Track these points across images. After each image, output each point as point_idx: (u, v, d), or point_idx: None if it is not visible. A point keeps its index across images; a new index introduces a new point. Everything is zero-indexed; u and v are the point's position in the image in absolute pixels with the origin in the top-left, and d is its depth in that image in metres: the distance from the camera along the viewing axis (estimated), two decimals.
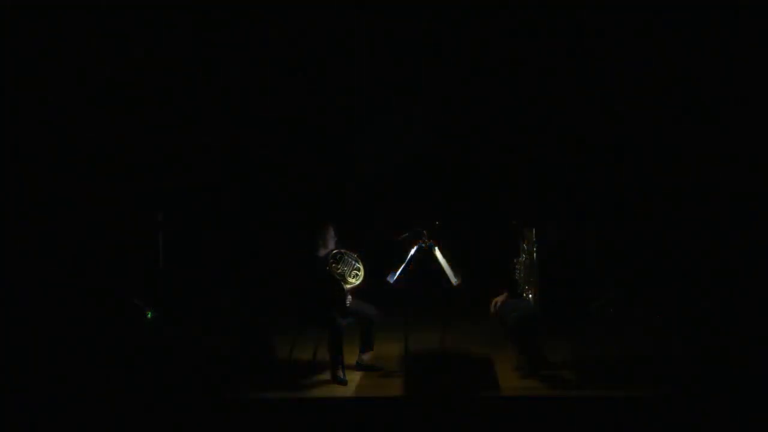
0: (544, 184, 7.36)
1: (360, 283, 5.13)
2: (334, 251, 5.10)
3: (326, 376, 4.97)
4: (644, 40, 6.90)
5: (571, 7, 6.95)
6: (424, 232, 5.10)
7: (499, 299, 5.17)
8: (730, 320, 5.97)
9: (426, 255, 5.04)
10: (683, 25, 6.75)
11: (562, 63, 7.14)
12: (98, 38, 6.79)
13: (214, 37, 7.08)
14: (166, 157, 7.23)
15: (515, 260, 5.12)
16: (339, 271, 5.08)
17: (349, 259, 5.14)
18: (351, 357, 5.17)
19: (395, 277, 5.01)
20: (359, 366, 5.18)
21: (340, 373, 4.90)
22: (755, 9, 6.49)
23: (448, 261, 5.10)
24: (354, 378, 5.00)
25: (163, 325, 6.28)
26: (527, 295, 4.96)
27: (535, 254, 4.87)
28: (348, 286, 5.07)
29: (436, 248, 5.07)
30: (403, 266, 5.03)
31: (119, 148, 7.01)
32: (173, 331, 6.27)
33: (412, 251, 5.07)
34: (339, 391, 4.76)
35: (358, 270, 5.15)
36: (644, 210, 7.11)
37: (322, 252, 5.10)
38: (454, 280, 5.03)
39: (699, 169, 6.90)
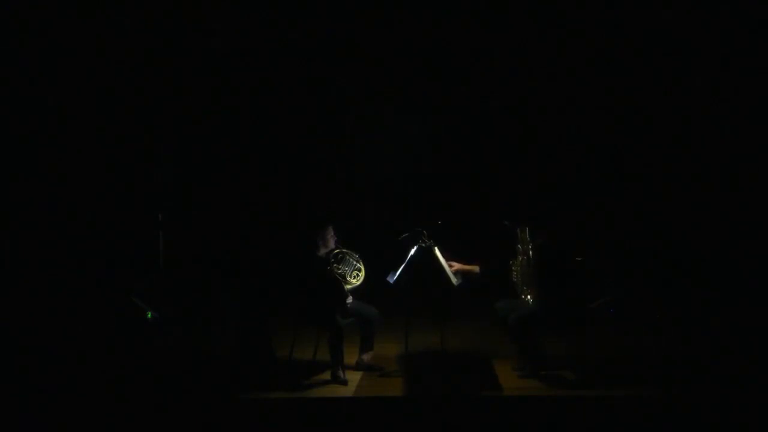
0: (543, 184, 7.36)
1: (360, 283, 5.13)
2: (336, 251, 5.10)
3: (326, 376, 4.97)
4: (643, 39, 6.91)
5: (569, 7, 6.96)
6: (424, 232, 5.10)
7: (456, 264, 5.08)
8: (730, 320, 5.98)
9: (426, 255, 5.05)
10: (683, 24, 6.76)
11: (562, 63, 7.15)
12: (98, 38, 6.79)
13: (214, 37, 7.08)
14: (167, 156, 7.24)
15: (511, 262, 5.10)
16: (340, 271, 5.08)
17: (351, 260, 5.13)
18: (351, 357, 5.17)
19: (395, 277, 5.01)
20: (359, 366, 5.18)
21: (340, 373, 4.90)
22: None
23: (448, 261, 5.10)
24: (354, 378, 5.00)
25: (163, 325, 6.28)
26: (527, 295, 4.95)
27: (530, 253, 4.86)
28: (349, 287, 5.07)
29: (436, 248, 5.07)
30: (403, 266, 5.03)
31: (119, 148, 7.02)
32: (173, 331, 6.27)
33: (412, 251, 5.07)
34: (339, 391, 4.75)
35: (359, 270, 5.15)
36: (644, 210, 7.11)
37: (322, 252, 5.10)
38: (454, 280, 5.03)
39: (699, 169, 6.91)
